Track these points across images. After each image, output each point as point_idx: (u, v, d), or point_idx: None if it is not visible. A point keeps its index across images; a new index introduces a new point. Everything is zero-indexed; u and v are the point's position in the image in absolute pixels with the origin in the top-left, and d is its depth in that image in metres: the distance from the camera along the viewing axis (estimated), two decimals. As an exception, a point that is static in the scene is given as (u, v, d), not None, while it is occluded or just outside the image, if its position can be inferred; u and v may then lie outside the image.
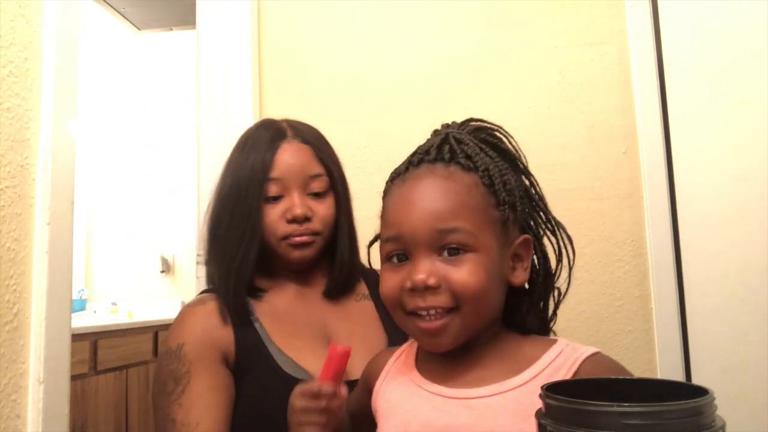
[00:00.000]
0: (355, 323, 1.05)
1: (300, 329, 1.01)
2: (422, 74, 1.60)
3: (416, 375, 0.75)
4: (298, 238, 1.00)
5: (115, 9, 3.47)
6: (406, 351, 0.81)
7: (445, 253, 0.69)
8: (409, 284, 0.69)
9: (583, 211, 1.52)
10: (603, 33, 1.56)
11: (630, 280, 1.49)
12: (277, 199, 1.00)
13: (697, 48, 1.51)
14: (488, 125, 0.82)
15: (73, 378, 1.17)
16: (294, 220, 0.99)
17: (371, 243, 0.84)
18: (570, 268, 0.78)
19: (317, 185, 1.03)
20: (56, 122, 1.17)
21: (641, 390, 0.53)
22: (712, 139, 1.48)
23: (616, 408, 0.43)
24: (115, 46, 3.89)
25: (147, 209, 3.74)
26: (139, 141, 3.83)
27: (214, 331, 0.97)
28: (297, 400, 0.80)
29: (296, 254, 1.01)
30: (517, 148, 0.81)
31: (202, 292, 1.06)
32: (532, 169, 0.85)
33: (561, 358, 0.69)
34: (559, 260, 0.78)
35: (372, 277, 1.12)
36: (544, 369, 0.68)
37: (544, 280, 0.78)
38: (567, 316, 1.51)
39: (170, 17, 3.63)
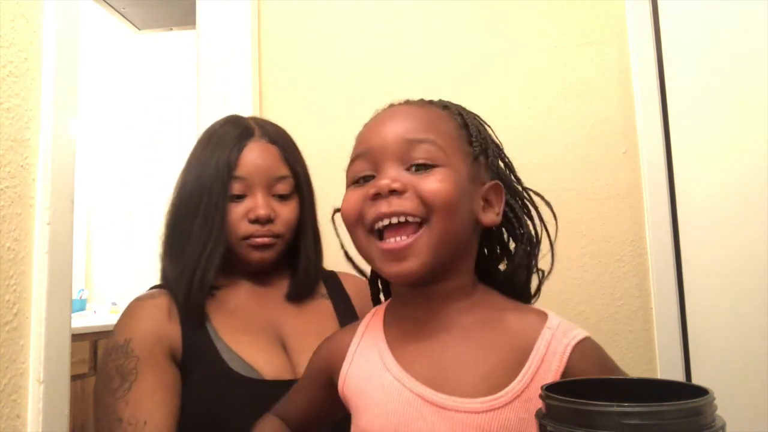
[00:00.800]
0: (310, 321, 1.03)
1: (250, 326, 0.99)
2: (422, 74, 1.60)
3: (394, 364, 0.66)
4: (259, 240, 0.98)
5: (115, 9, 3.47)
6: (371, 325, 0.73)
7: (413, 168, 0.65)
8: (372, 190, 0.64)
9: (583, 211, 1.52)
10: (603, 33, 1.56)
11: (630, 280, 1.49)
12: (240, 198, 0.98)
13: (697, 48, 1.51)
14: (468, 110, 0.79)
15: (73, 378, 1.17)
16: (256, 221, 0.98)
17: (335, 212, 0.77)
18: (551, 244, 0.75)
19: (282, 187, 1.01)
20: (56, 122, 1.17)
21: (641, 390, 0.53)
22: (712, 139, 1.48)
23: (616, 408, 0.43)
24: (115, 46, 3.88)
25: (147, 209, 3.73)
26: (139, 141, 3.83)
27: (162, 326, 0.94)
28: None
29: (256, 255, 0.99)
30: (494, 133, 0.78)
31: (153, 287, 1.04)
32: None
33: (553, 345, 0.64)
34: (536, 237, 0.74)
35: (331, 278, 1.12)
36: (541, 364, 0.63)
37: (526, 248, 0.73)
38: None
39: (170, 17, 3.63)
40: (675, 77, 1.50)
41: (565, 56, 1.56)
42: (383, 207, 0.63)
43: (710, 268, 1.45)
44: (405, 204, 0.63)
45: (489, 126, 0.78)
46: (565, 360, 0.63)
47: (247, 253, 0.99)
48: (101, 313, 3.50)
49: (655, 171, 1.48)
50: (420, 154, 0.65)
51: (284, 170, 1.02)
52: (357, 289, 1.11)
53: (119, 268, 3.71)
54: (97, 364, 2.73)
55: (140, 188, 3.78)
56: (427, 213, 0.63)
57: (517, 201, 0.75)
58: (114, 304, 3.54)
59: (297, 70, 1.64)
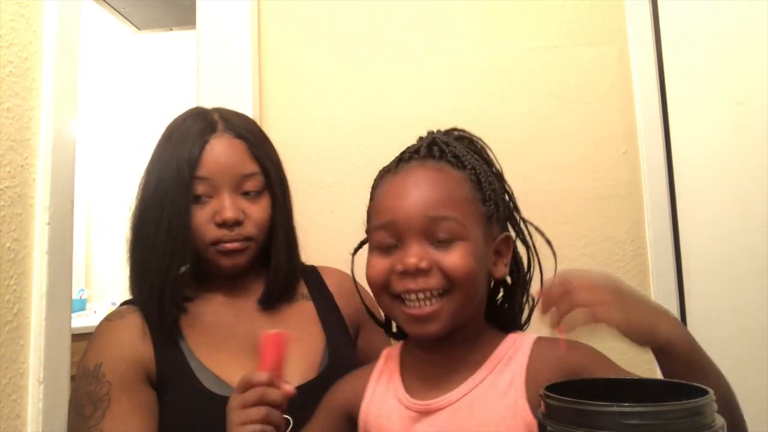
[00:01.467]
0: (290, 327, 0.98)
1: (226, 341, 0.94)
2: (422, 74, 1.60)
3: (406, 397, 0.75)
4: (228, 245, 0.92)
5: (115, 9, 3.47)
6: (387, 368, 0.80)
7: (436, 242, 0.71)
8: (400, 267, 0.70)
9: (583, 211, 1.51)
10: (603, 33, 1.55)
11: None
12: (204, 199, 0.92)
13: (697, 48, 1.51)
14: (470, 135, 0.84)
15: (73, 378, 1.16)
16: (224, 224, 0.91)
17: (355, 251, 0.84)
18: (541, 278, 0.80)
19: (251, 185, 0.94)
20: (56, 122, 1.16)
21: (641, 390, 0.53)
22: (712, 139, 1.48)
23: (616, 408, 0.43)
24: (115, 46, 3.88)
25: (147, 209, 3.74)
26: (139, 141, 3.83)
27: (133, 347, 0.89)
28: (233, 398, 0.74)
29: (227, 262, 0.93)
30: (495, 158, 0.84)
31: (123, 304, 0.99)
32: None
33: (516, 345, 0.74)
34: (529, 267, 0.81)
35: (312, 275, 1.06)
36: (501, 358, 0.72)
37: (518, 282, 0.81)
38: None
39: (170, 17, 3.63)
40: (675, 77, 1.50)
41: (565, 56, 1.56)
42: (410, 284, 0.70)
43: (710, 268, 1.45)
44: (430, 281, 0.70)
45: (489, 149, 0.83)
46: (526, 354, 0.72)
47: (217, 259, 0.93)
48: (101, 313, 3.49)
49: (655, 171, 1.48)
50: (442, 231, 0.71)
51: (252, 166, 0.94)
52: (340, 287, 1.07)
53: (119, 268, 3.69)
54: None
55: (140, 188, 3.77)
56: (449, 286, 0.70)
57: (516, 232, 0.82)
58: (114, 304, 3.54)
59: (297, 70, 1.64)
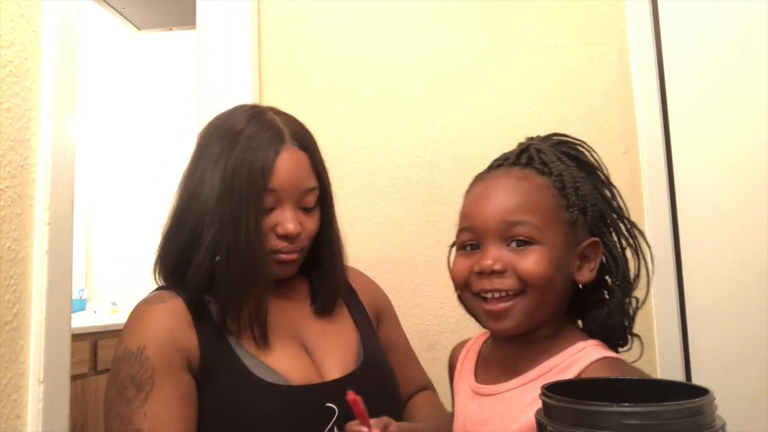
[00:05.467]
0: (328, 321, 1.02)
1: (271, 332, 0.95)
2: (422, 74, 1.60)
3: (472, 378, 0.83)
4: (285, 256, 0.94)
5: (115, 9, 3.47)
6: (472, 348, 0.88)
7: (513, 244, 0.74)
8: (477, 268, 0.75)
9: (583, 211, 1.51)
10: (603, 33, 1.55)
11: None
12: (268, 210, 0.93)
13: (697, 48, 1.51)
14: (570, 140, 0.87)
15: (73, 378, 1.17)
16: (285, 237, 0.93)
17: (449, 249, 0.87)
18: (648, 279, 0.81)
19: (310, 200, 0.96)
20: (56, 122, 1.17)
21: (641, 390, 0.53)
22: (712, 139, 1.48)
23: (616, 408, 0.43)
24: (115, 46, 3.88)
25: (147, 209, 3.74)
26: (139, 141, 3.83)
27: (177, 333, 0.89)
28: None
29: (280, 270, 0.96)
30: (598, 161, 0.86)
31: (161, 289, 0.97)
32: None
33: (577, 356, 0.74)
34: (637, 272, 0.82)
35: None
36: (556, 366, 0.73)
37: (622, 285, 0.80)
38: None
39: (170, 17, 3.63)
40: (675, 77, 1.50)
41: (565, 56, 1.56)
42: (486, 284, 0.75)
43: (710, 268, 1.45)
44: (504, 282, 0.74)
45: (593, 152, 0.87)
46: (580, 368, 0.72)
47: (271, 267, 0.95)
48: (101, 313, 3.50)
49: (655, 171, 1.48)
50: (518, 233, 0.74)
51: (313, 181, 0.96)
52: (361, 284, 1.12)
53: (119, 268, 3.71)
54: (97, 364, 2.73)
55: (140, 188, 3.78)
56: (523, 287, 0.74)
57: (616, 235, 0.84)
58: (114, 304, 3.54)
59: (297, 70, 1.64)
